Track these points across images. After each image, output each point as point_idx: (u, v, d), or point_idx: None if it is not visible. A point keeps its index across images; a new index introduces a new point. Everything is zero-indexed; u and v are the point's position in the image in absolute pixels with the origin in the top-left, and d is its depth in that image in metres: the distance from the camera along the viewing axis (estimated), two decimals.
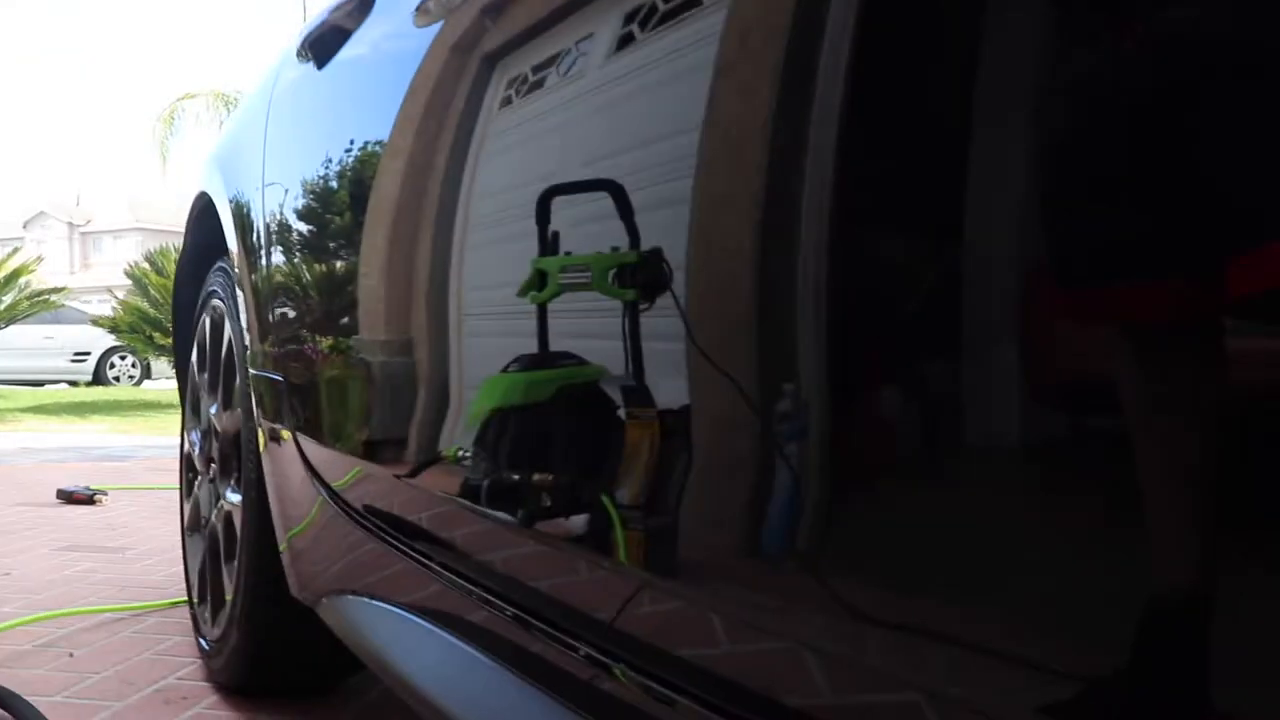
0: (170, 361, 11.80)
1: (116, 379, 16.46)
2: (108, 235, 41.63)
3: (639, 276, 0.81)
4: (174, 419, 9.23)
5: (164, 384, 15.50)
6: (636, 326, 0.81)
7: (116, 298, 12.81)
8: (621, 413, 0.84)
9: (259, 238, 1.68)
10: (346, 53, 1.40)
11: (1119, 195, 0.47)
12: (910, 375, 0.59)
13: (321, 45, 1.47)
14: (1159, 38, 0.46)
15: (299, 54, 1.58)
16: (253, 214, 1.71)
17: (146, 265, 11.42)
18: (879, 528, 0.61)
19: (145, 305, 11.31)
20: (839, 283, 0.62)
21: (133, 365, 16.48)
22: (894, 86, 0.61)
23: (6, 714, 1.76)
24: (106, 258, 40.69)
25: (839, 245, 0.62)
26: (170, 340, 10.82)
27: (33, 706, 1.73)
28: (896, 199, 0.60)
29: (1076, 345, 0.50)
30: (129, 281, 12.43)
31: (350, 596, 1.41)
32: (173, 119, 18.99)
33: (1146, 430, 0.46)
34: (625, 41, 0.85)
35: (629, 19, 0.85)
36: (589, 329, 0.90)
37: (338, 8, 1.44)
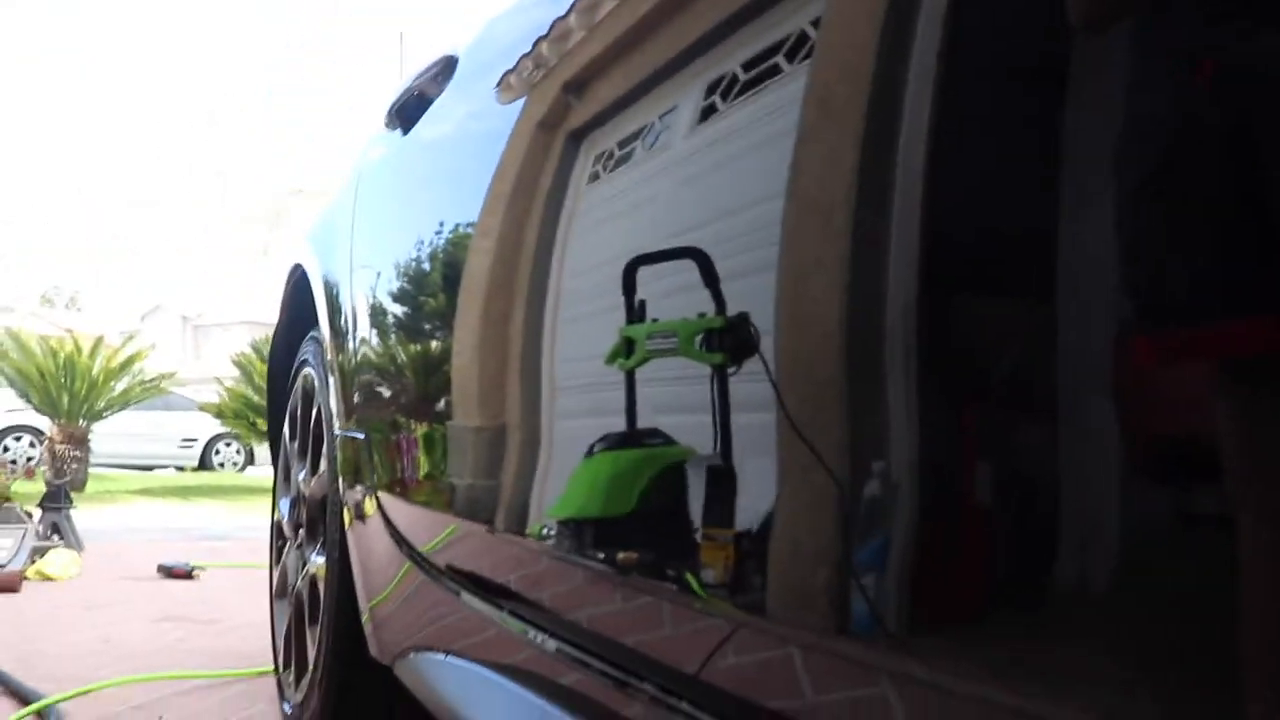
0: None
1: (221, 465, 16.87)
2: (217, 328, 43.07)
3: (726, 340, 0.82)
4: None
5: (266, 470, 15.84)
6: (725, 391, 0.82)
7: (224, 386, 13.20)
8: (707, 490, 0.84)
9: (347, 311, 1.72)
10: (430, 123, 1.45)
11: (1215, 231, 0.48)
12: (1005, 443, 0.59)
13: (406, 111, 1.52)
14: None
15: (386, 121, 1.64)
16: (340, 288, 1.76)
17: (252, 353, 11.75)
18: (976, 615, 0.60)
19: (250, 392, 11.62)
20: (927, 348, 0.62)
21: (237, 452, 16.89)
22: (977, 148, 0.61)
23: None
24: (216, 349, 42.05)
25: (926, 309, 0.62)
26: None
27: None
28: (984, 262, 0.60)
29: (1185, 396, 0.49)
30: (236, 371, 12.82)
31: (428, 654, 1.42)
32: (279, 215, 19.63)
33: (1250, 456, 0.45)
34: (708, 113, 0.87)
35: (711, 90, 0.87)
36: (675, 401, 0.91)
37: (424, 72, 1.49)
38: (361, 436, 1.57)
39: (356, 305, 1.67)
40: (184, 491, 11.15)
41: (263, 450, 15.22)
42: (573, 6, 1.11)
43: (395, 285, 1.57)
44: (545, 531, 1.10)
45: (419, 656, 1.45)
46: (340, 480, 1.70)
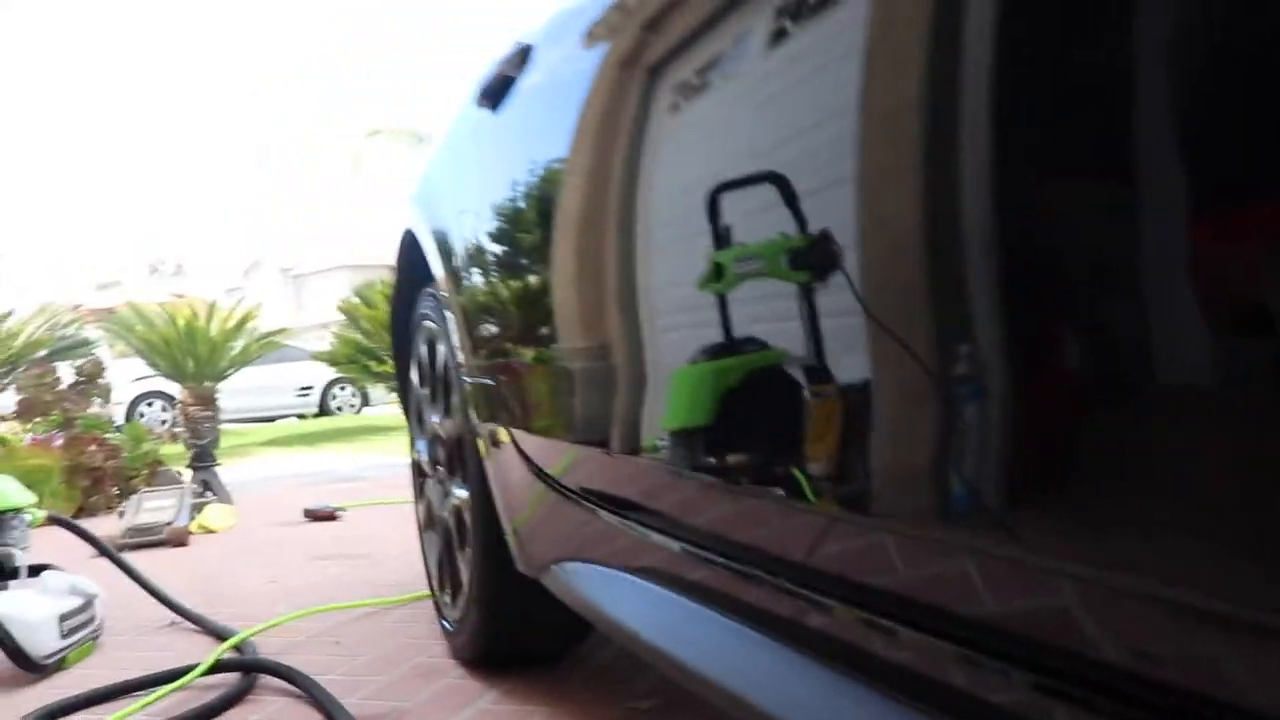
0: (388, 388, 12.49)
1: (339, 409, 17.50)
2: (315, 276, 43.96)
3: (810, 258, 0.87)
4: (394, 440, 9.82)
5: (382, 410, 16.40)
6: (813, 306, 0.87)
7: (331, 333, 13.67)
8: (805, 390, 0.91)
9: (461, 267, 1.91)
10: (518, 99, 1.62)
11: None
12: (1088, 338, 0.62)
13: (494, 92, 1.69)
14: None
15: (477, 102, 1.82)
16: (452, 243, 1.95)
17: (357, 300, 12.15)
18: (1065, 487, 0.65)
19: (359, 337, 12.03)
20: (1008, 246, 0.66)
21: (352, 395, 17.50)
22: (1043, 50, 0.64)
23: (296, 689, 2.07)
24: (316, 296, 43.01)
25: (1000, 209, 0.66)
26: (385, 368, 11.44)
27: (315, 682, 2.04)
28: (1054, 157, 0.63)
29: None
30: (340, 317, 13.25)
31: (570, 564, 1.61)
32: (359, 157, 19.68)
33: None
34: (779, 36, 0.92)
35: (780, 14, 0.92)
36: (767, 313, 0.97)
37: (505, 61, 1.67)
38: (490, 381, 1.77)
39: (470, 261, 1.86)
40: (310, 438, 11.65)
41: (376, 391, 15.74)
42: None
43: (501, 241, 1.76)
44: (658, 445, 1.22)
45: (562, 567, 1.63)
46: (474, 420, 1.91)
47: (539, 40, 1.59)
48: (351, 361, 12.22)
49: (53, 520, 2.87)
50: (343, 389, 17.35)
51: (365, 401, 17.56)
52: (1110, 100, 0.58)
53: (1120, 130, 0.57)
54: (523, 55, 1.61)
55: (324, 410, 17.48)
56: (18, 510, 2.75)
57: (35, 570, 2.66)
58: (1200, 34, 0.53)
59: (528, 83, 1.58)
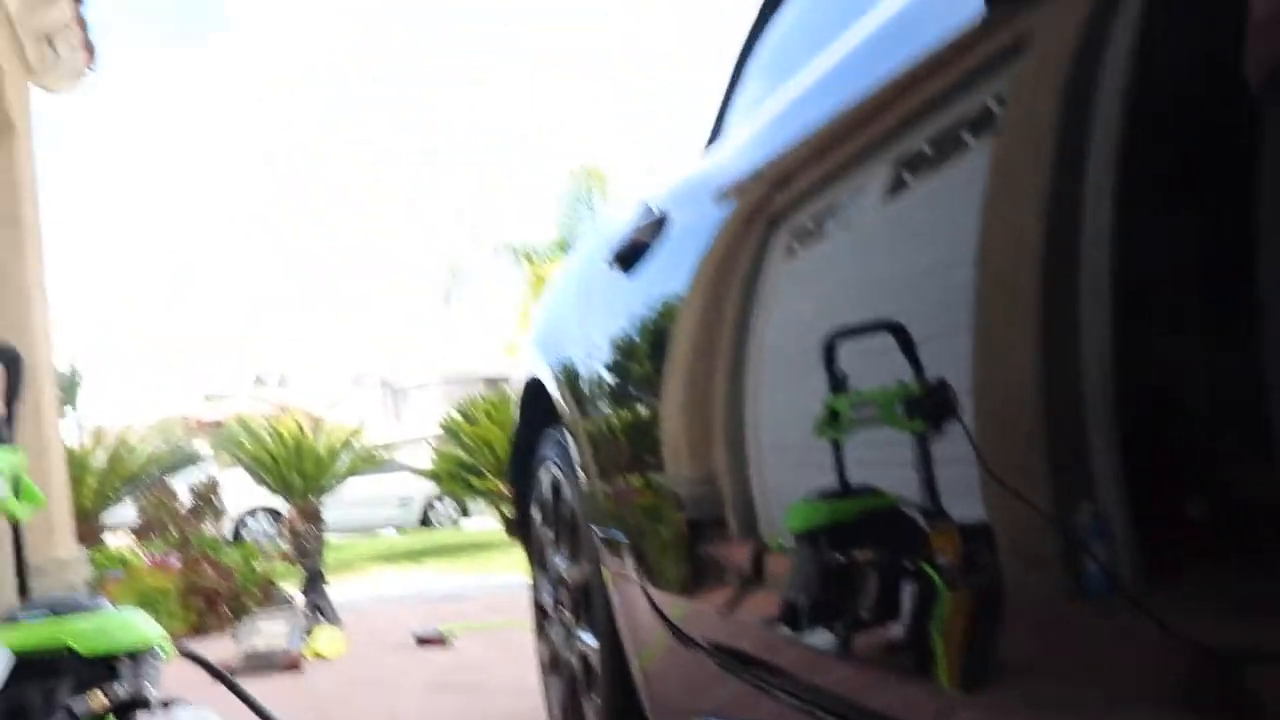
0: (488, 503, 12.59)
1: (439, 522, 17.67)
2: (415, 389, 44.80)
3: (926, 407, 0.89)
4: (497, 558, 9.86)
5: (481, 523, 16.51)
6: (927, 454, 0.89)
7: (430, 446, 13.87)
8: (922, 536, 0.92)
9: (591, 415, 1.95)
10: (652, 262, 1.67)
11: None
12: (1207, 491, 0.63)
13: (629, 256, 1.75)
14: None
15: (609, 263, 1.88)
16: (582, 395, 2.00)
17: (458, 416, 12.31)
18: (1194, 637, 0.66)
19: (460, 453, 12.18)
20: (1127, 401, 0.67)
21: (452, 508, 17.66)
22: (1158, 214, 0.66)
23: None
24: (414, 409, 43.78)
25: (1123, 360, 0.67)
26: (486, 484, 11.55)
27: None
28: (1173, 316, 0.65)
29: None
30: (438, 430, 13.45)
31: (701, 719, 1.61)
32: (455, 272, 19.97)
33: None
34: (898, 186, 0.96)
35: (899, 165, 0.96)
36: (882, 460, 0.99)
37: (637, 228, 1.73)
38: (623, 537, 1.79)
39: (602, 412, 1.90)
40: (414, 554, 11.77)
41: (475, 505, 15.87)
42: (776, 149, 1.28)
43: (633, 394, 1.80)
44: (788, 611, 1.23)
45: None
46: (604, 571, 1.93)
47: (671, 207, 1.65)
48: (452, 477, 12.36)
49: (183, 653, 2.93)
50: (442, 502, 17.53)
51: (464, 513, 17.70)
52: (1231, 262, 0.60)
53: (1241, 297, 0.59)
54: (657, 224, 1.67)
55: (423, 523, 17.65)
56: (152, 647, 2.82)
57: (165, 704, 2.71)
58: None
59: (663, 249, 1.64)
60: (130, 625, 2.75)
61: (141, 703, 2.70)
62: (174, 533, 6.79)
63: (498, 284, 16.74)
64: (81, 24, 6.23)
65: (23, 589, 2.69)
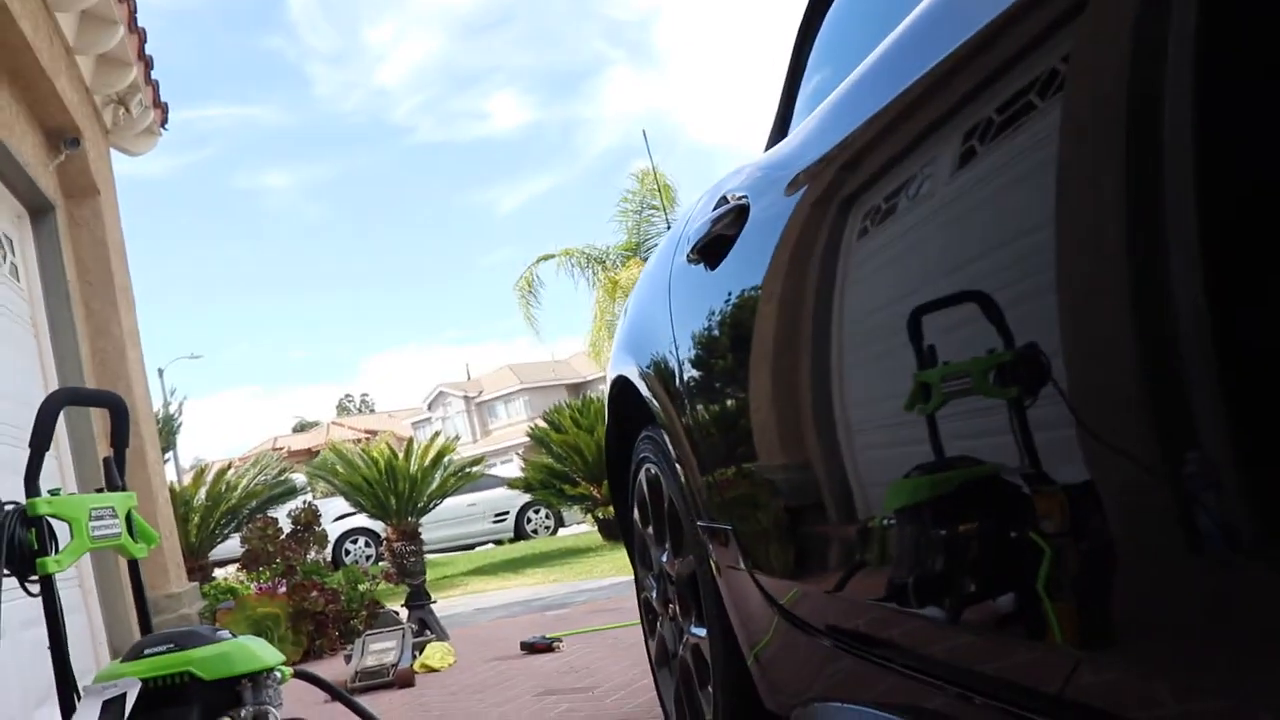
0: (582, 510, 12.68)
1: (534, 532, 17.82)
2: (499, 402, 45.23)
3: (1018, 373, 0.88)
4: (595, 563, 9.92)
5: (576, 529, 16.63)
6: (1024, 420, 0.88)
7: (520, 457, 14.04)
8: (1022, 503, 0.92)
9: (687, 410, 1.95)
10: (735, 255, 1.67)
11: None
12: None
13: (713, 251, 1.75)
14: None
15: (689, 259, 1.88)
16: (677, 391, 2.00)
17: (546, 425, 12.44)
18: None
19: (551, 461, 12.30)
20: (1208, 355, 0.67)
21: (546, 517, 17.80)
22: (1232, 161, 0.65)
23: None
24: (501, 422, 44.21)
25: (1206, 316, 0.67)
26: (579, 489, 11.63)
27: None
28: (1259, 266, 0.64)
29: None
30: (527, 440, 13.60)
31: (821, 704, 1.60)
32: (531, 283, 20.14)
33: None
34: (968, 157, 0.95)
35: (968, 136, 0.95)
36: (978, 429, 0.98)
37: (717, 220, 1.72)
38: (728, 527, 1.79)
39: (698, 406, 1.90)
40: (513, 565, 11.89)
41: (570, 513, 15.99)
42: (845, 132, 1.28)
43: (731, 386, 1.79)
44: (899, 586, 1.22)
45: (813, 707, 1.63)
46: (712, 563, 1.93)
47: (751, 197, 1.65)
48: (545, 486, 12.49)
49: (299, 675, 3.00)
50: (536, 512, 17.69)
51: (559, 523, 17.84)
52: None
53: None
54: (739, 215, 1.66)
55: (519, 534, 17.83)
56: (271, 670, 2.89)
57: None
58: None
59: (747, 238, 1.63)
60: (248, 650, 2.82)
61: None
62: (278, 561, 6.92)
63: (572, 291, 16.84)
64: (152, 84, 6.41)
65: (144, 624, 2.77)
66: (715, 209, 1.79)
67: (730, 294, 1.70)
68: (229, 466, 10.79)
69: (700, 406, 1.88)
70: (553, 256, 19.95)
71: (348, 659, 4.98)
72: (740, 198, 1.69)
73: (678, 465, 2.03)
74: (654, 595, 2.45)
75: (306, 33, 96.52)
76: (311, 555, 7.39)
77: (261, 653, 2.91)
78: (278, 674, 2.92)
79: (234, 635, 2.95)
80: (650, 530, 2.41)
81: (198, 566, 8.99)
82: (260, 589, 6.64)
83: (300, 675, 3.05)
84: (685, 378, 1.92)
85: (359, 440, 16.81)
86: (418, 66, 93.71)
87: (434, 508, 12.12)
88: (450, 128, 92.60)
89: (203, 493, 9.98)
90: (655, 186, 17.41)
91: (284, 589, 6.46)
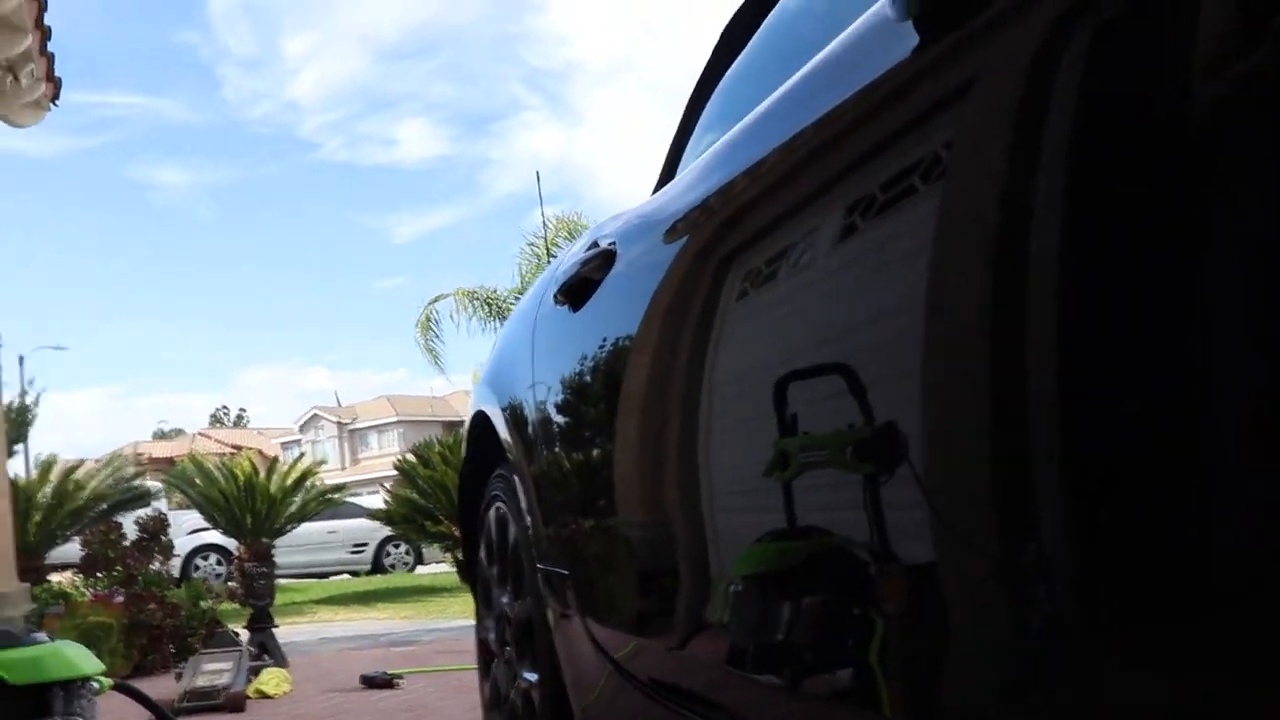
0: (442, 548, 12.48)
1: (392, 566, 17.46)
2: (373, 431, 44.49)
3: (876, 450, 0.88)
4: (449, 603, 9.77)
5: (436, 569, 16.35)
6: (877, 497, 0.88)
7: (386, 489, 13.77)
8: (869, 578, 0.92)
9: (536, 450, 1.95)
10: (600, 299, 1.68)
11: None
12: (1152, 540, 0.64)
13: (576, 292, 1.76)
14: None
15: (555, 299, 1.89)
16: (529, 430, 2.00)
17: (414, 459, 12.25)
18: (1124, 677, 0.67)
19: (415, 496, 12.09)
20: (1075, 446, 0.68)
21: (406, 552, 17.47)
22: (1112, 253, 0.65)
23: None
24: (372, 451, 43.48)
25: (1074, 407, 0.68)
26: (441, 527, 11.44)
27: None
28: (1120, 369, 0.65)
29: None
30: (394, 473, 13.35)
31: None
32: (429, 321, 19.92)
33: None
34: (848, 231, 0.96)
35: (851, 211, 0.95)
36: (830, 502, 0.99)
37: (585, 263, 1.74)
38: (565, 572, 1.79)
39: (546, 448, 1.90)
40: (365, 598, 11.63)
41: (431, 551, 15.73)
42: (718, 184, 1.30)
43: (580, 432, 1.80)
44: (722, 623, 1.23)
45: None
46: (547, 607, 1.92)
47: (619, 243, 1.66)
48: (407, 520, 12.26)
49: (118, 688, 2.89)
50: (397, 546, 17.35)
51: (419, 559, 17.53)
52: (1188, 334, 0.61)
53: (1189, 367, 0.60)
54: (605, 260, 1.67)
55: (377, 567, 17.45)
56: (86, 678, 2.77)
57: None
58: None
59: (611, 284, 1.64)
60: (63, 657, 2.70)
61: None
62: (119, 569, 6.65)
63: (462, 331, 16.69)
64: (47, 55, 6.22)
65: None
66: (586, 250, 1.81)
67: (589, 338, 1.71)
68: (79, 464, 10.37)
69: (551, 449, 1.87)
70: (447, 296, 19.75)
71: (179, 677, 4.80)
72: (611, 243, 1.70)
73: (524, 507, 2.02)
74: (492, 636, 2.42)
75: (223, 33, 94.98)
76: (155, 566, 7.12)
77: (78, 660, 2.80)
78: (94, 684, 2.80)
79: (52, 639, 2.83)
80: (495, 570, 2.39)
81: (33, 567, 8.58)
82: (96, 596, 6.37)
83: (120, 689, 2.93)
84: (538, 419, 1.92)
85: (225, 454, 16.33)
86: (332, 84, 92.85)
87: (291, 530, 11.83)
88: (357, 149, 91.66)
89: (49, 489, 9.58)
90: (563, 233, 17.43)
91: (121, 598, 6.21)
